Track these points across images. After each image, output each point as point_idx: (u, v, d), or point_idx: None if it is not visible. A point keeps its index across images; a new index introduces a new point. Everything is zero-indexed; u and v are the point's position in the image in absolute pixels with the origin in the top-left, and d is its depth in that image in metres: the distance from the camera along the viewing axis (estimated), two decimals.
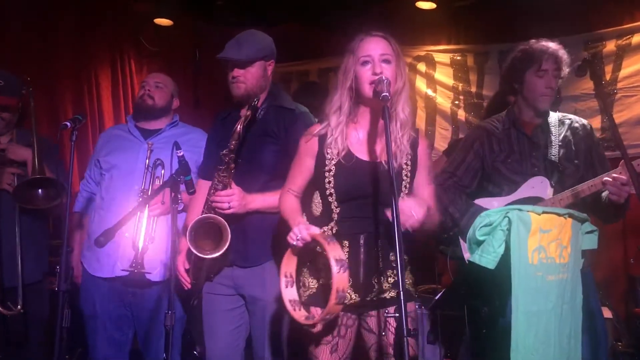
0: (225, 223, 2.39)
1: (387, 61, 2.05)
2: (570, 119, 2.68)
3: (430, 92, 5.50)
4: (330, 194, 2.11)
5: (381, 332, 2.09)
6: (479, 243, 1.74)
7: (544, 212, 1.77)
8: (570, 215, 1.83)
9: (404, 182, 2.11)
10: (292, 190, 2.23)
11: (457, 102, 5.41)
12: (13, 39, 4.36)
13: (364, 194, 2.08)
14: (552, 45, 2.59)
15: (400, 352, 1.67)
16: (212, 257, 2.41)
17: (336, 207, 2.10)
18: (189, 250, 2.49)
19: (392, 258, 2.07)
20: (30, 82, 2.95)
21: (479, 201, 2.62)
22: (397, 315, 1.70)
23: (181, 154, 2.39)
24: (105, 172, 2.95)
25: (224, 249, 2.39)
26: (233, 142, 2.41)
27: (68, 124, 2.50)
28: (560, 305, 1.79)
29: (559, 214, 1.81)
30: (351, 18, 5.32)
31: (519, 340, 1.70)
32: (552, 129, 2.60)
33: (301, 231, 1.96)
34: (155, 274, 2.79)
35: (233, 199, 2.41)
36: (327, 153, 2.11)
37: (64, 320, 2.37)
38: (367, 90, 2.03)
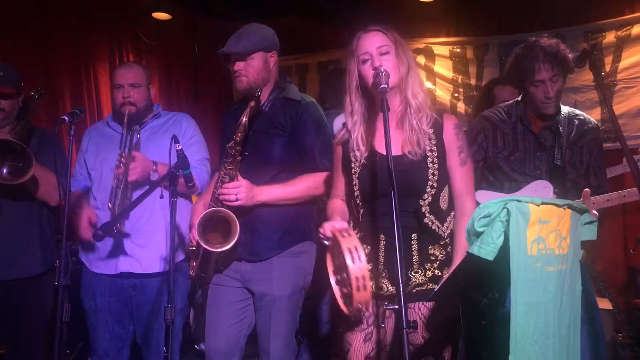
0: (234, 216, 2.38)
1: (385, 53, 2.04)
2: (579, 118, 2.60)
3: (429, 84, 5.49)
4: (357, 196, 2.13)
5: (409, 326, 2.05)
6: (478, 234, 1.73)
7: (542, 203, 1.76)
8: (570, 206, 1.82)
9: (429, 169, 2.06)
10: (337, 195, 2.27)
11: (456, 94, 5.41)
12: (11, 33, 4.35)
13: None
14: (548, 46, 2.46)
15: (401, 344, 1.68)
16: (221, 250, 2.40)
17: (361, 208, 2.11)
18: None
19: (432, 252, 2.08)
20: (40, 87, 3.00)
21: (479, 194, 2.60)
22: (397, 307, 1.71)
23: (180, 147, 2.38)
24: (92, 170, 2.91)
25: (233, 242, 2.38)
26: (239, 135, 2.39)
27: (66, 118, 2.49)
28: (559, 296, 1.78)
29: (557, 205, 1.80)
30: (351, 11, 5.31)
31: (518, 331, 1.70)
32: (561, 129, 2.53)
33: (324, 229, 1.98)
34: (153, 265, 2.79)
35: (240, 190, 2.39)
36: (352, 156, 2.13)
37: (64, 314, 2.37)
38: (375, 84, 2.00)
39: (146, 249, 2.79)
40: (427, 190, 2.05)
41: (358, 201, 2.13)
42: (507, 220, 1.70)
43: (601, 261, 4.36)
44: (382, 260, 2.08)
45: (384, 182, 2.03)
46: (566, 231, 1.80)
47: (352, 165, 2.14)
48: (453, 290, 2.07)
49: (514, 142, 2.58)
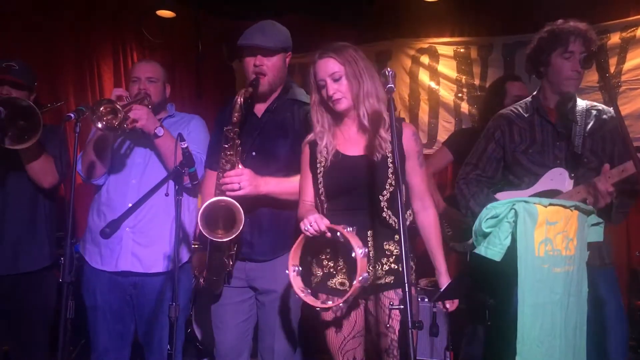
0: (237, 204, 2.32)
1: (337, 79, 2.21)
2: (598, 109, 2.56)
3: (433, 84, 5.48)
4: (322, 193, 2.25)
5: (380, 316, 2.19)
6: (485, 235, 1.74)
7: (550, 204, 1.76)
8: (577, 208, 1.83)
9: (389, 169, 2.20)
10: (306, 201, 2.35)
11: (460, 94, 5.39)
12: (14, 31, 4.34)
13: (353, 187, 2.20)
14: (581, 25, 2.47)
15: (405, 344, 1.68)
16: (226, 240, 2.35)
17: (324, 203, 2.24)
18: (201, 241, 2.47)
19: (387, 247, 2.19)
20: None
21: (500, 195, 2.55)
22: (402, 307, 1.71)
23: (185, 145, 2.37)
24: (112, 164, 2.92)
25: (238, 231, 2.33)
26: (235, 115, 2.38)
27: (72, 115, 2.48)
28: (566, 297, 1.79)
29: (565, 206, 1.81)
30: (355, 10, 5.31)
31: (525, 332, 1.70)
32: (578, 118, 2.49)
33: (317, 221, 2.07)
34: (154, 265, 2.79)
35: (243, 178, 2.36)
36: (318, 158, 2.28)
37: (68, 311, 2.37)
38: (332, 107, 2.24)
39: (148, 249, 2.79)
40: (387, 187, 2.18)
41: (322, 197, 2.26)
42: (515, 221, 1.70)
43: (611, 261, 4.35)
44: (341, 257, 2.20)
45: (346, 181, 2.22)
46: (573, 232, 1.81)
47: (318, 166, 2.28)
48: (457, 292, 2.08)
49: (532, 135, 2.54)
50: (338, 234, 2.03)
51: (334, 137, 2.29)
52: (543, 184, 2.44)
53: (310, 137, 2.34)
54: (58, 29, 4.74)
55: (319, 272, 2.25)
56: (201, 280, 2.57)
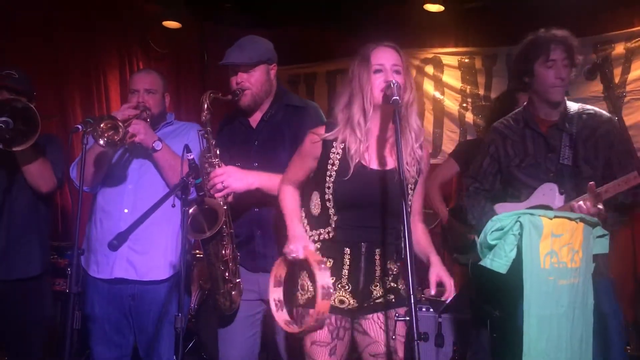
0: (218, 202, 2.32)
1: (398, 72, 2.07)
2: (589, 112, 2.50)
3: (438, 94, 5.50)
4: (329, 200, 2.09)
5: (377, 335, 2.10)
6: (491, 247, 1.74)
7: (555, 217, 1.77)
8: (582, 220, 1.83)
9: (410, 192, 2.11)
10: (293, 182, 2.24)
11: (464, 104, 5.41)
12: (20, 42, 4.37)
13: (369, 202, 2.07)
14: (560, 33, 2.48)
15: (411, 356, 1.68)
16: (209, 235, 2.32)
17: (334, 214, 2.09)
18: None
19: (389, 266, 2.10)
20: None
21: (499, 207, 2.52)
22: (408, 319, 1.71)
23: (192, 156, 2.38)
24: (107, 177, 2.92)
25: (220, 224, 2.32)
26: (203, 115, 2.43)
27: (80, 127, 2.48)
28: (572, 309, 1.78)
29: (570, 219, 1.81)
30: (359, 21, 5.33)
31: (531, 344, 1.70)
32: (568, 126, 2.44)
33: (298, 250, 2.03)
34: (150, 273, 2.76)
35: (225, 177, 2.34)
36: (331, 158, 2.09)
37: (75, 322, 2.37)
38: (378, 97, 2.03)
39: (144, 256, 2.76)
40: (408, 210, 2.03)
41: (329, 205, 2.10)
42: (520, 234, 1.71)
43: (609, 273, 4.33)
44: (345, 273, 2.09)
45: (365, 194, 2.07)
46: (579, 244, 1.81)
47: (329, 167, 2.10)
48: (463, 303, 2.08)
49: (524, 148, 2.53)
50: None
51: (364, 141, 2.08)
52: (536, 198, 2.39)
53: (329, 134, 2.10)
54: (65, 39, 4.77)
55: (312, 288, 2.07)
56: (212, 302, 2.55)
